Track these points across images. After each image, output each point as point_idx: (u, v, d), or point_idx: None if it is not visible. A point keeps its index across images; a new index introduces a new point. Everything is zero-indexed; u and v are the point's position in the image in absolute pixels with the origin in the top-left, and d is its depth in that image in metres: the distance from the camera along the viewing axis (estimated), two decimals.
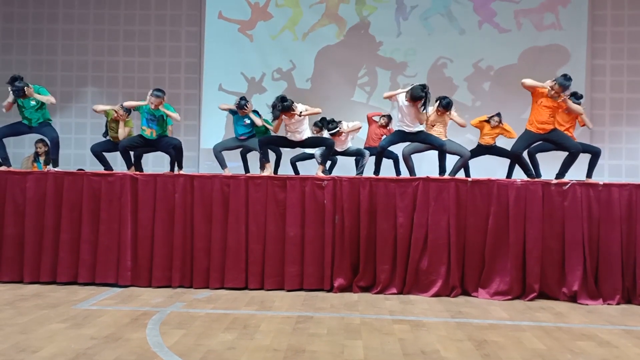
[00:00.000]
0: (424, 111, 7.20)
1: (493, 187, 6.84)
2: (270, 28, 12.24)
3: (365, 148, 8.81)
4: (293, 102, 7.20)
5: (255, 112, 8.33)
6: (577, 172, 7.37)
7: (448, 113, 7.86)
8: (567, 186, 6.77)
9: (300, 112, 7.25)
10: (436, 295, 6.72)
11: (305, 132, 7.45)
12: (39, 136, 8.44)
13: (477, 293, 6.77)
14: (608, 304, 6.59)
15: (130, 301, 6.22)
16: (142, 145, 7.71)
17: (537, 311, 6.17)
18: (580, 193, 6.75)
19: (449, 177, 7.19)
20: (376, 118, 9.26)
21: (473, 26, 12.05)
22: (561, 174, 7.19)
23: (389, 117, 9.26)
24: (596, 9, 11.88)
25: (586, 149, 7.60)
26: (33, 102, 7.37)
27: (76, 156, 11.98)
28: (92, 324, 5.21)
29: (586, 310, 6.28)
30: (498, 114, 8.51)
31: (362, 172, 8.13)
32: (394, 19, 12.15)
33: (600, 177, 10.63)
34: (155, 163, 10.40)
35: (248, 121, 8.17)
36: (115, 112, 8.08)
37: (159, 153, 8.35)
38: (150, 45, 12.42)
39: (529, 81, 7.07)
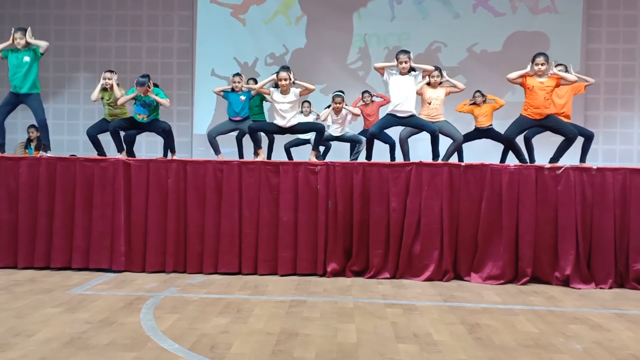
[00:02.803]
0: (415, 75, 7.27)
1: (486, 172, 6.84)
2: (263, 12, 12.21)
3: (363, 131, 8.81)
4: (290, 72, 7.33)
5: (247, 92, 8.25)
6: (570, 157, 7.39)
7: (441, 78, 7.85)
8: (561, 171, 6.77)
9: (294, 81, 7.29)
10: (429, 279, 6.75)
11: (295, 117, 7.44)
12: (32, 121, 8.38)
13: (470, 277, 6.80)
14: (600, 288, 6.62)
15: (124, 286, 6.22)
16: (133, 127, 7.68)
17: (530, 295, 6.20)
18: (574, 177, 6.76)
19: (442, 162, 7.19)
20: (359, 104, 9.22)
21: (467, 10, 12.03)
22: (555, 158, 7.22)
23: (368, 93, 9.26)
24: None
25: (579, 131, 7.59)
26: (27, 59, 7.35)
27: (69, 142, 11.96)
28: (87, 309, 5.21)
29: (579, 294, 6.31)
30: (478, 91, 8.56)
31: (356, 158, 8.12)
32: (387, 3, 12.11)
33: (594, 161, 10.66)
34: (148, 149, 10.38)
35: (243, 97, 8.11)
36: (105, 84, 7.98)
37: (152, 139, 8.32)
38: (143, 30, 12.37)
39: (512, 74, 7.13)
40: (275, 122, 7.47)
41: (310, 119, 9.08)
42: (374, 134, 7.43)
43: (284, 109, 7.34)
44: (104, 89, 7.96)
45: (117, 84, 7.81)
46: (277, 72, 7.34)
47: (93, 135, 7.91)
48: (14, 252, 7.00)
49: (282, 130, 7.50)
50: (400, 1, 12.10)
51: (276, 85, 7.38)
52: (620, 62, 11.85)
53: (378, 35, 12.12)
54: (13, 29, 7.46)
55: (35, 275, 6.64)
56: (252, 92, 8.03)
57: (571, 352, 4.28)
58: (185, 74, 12.26)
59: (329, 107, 8.50)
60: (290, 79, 7.28)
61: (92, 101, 8.12)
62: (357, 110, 8.58)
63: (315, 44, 12.17)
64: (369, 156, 7.44)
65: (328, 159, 8.24)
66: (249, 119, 8.20)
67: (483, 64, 11.88)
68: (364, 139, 8.19)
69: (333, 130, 8.51)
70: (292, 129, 7.51)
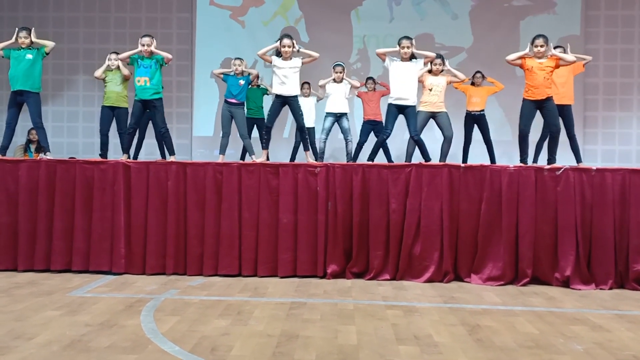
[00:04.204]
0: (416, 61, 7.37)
1: (486, 173, 6.85)
2: (262, 14, 12.19)
3: (365, 122, 8.81)
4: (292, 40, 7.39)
5: (247, 77, 8.20)
6: (568, 158, 7.42)
7: (443, 67, 7.85)
8: (560, 171, 6.78)
9: (299, 49, 7.37)
10: (429, 280, 6.75)
11: (296, 87, 7.46)
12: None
13: (470, 278, 6.80)
14: (601, 288, 6.62)
15: (124, 288, 6.22)
16: (143, 112, 7.63)
17: (530, 296, 6.20)
18: (573, 178, 6.76)
19: (442, 163, 7.20)
20: (362, 89, 9.20)
21: (466, 11, 12.02)
22: (551, 158, 7.24)
23: (372, 80, 9.25)
24: None
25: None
26: (29, 56, 7.39)
27: (68, 144, 11.95)
28: (87, 311, 5.21)
29: (579, 295, 6.32)
30: (478, 71, 8.57)
31: (355, 159, 8.13)
32: (386, 4, 12.11)
33: (594, 162, 10.67)
34: (148, 151, 10.36)
35: (242, 81, 8.06)
36: (112, 64, 8.14)
37: (151, 141, 8.32)
38: (142, 33, 12.28)
39: (511, 56, 7.22)
40: (275, 90, 7.45)
41: (311, 101, 9.02)
42: (389, 133, 7.44)
43: (285, 74, 7.31)
44: (108, 70, 8.14)
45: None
46: (280, 39, 7.34)
47: (107, 134, 8.07)
48: (14, 255, 7.00)
49: (283, 102, 7.44)
50: (399, 2, 12.10)
51: (279, 54, 7.37)
52: (618, 63, 11.84)
53: (377, 36, 12.09)
54: (17, 29, 7.50)
55: (35, 278, 6.64)
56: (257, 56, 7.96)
57: (571, 353, 4.29)
58: (185, 76, 12.24)
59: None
60: (293, 46, 7.29)
61: (94, 77, 8.35)
62: (357, 83, 8.60)
63: (314, 45, 12.14)
64: (374, 155, 7.51)
65: (326, 160, 8.22)
66: (244, 105, 8.13)
67: (481, 65, 11.85)
68: (351, 138, 8.29)
69: (332, 102, 8.45)
70: (291, 103, 7.45)
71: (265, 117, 7.75)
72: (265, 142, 7.60)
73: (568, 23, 11.76)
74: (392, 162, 7.51)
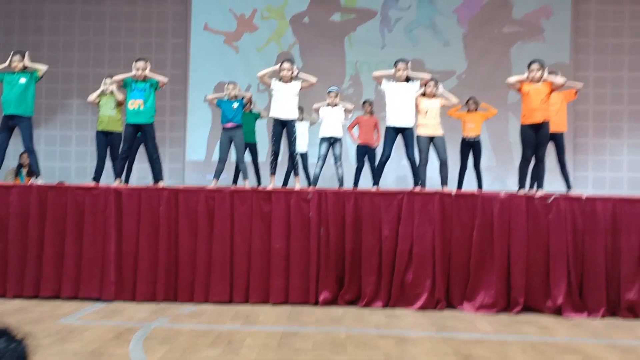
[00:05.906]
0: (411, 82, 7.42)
1: (477, 200, 6.86)
2: (256, 40, 12.26)
3: (359, 146, 8.80)
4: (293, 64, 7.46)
5: (240, 100, 8.20)
6: (558, 185, 7.44)
7: (436, 90, 7.83)
8: (551, 199, 6.80)
9: (297, 73, 7.44)
10: (422, 308, 6.72)
11: (295, 110, 7.50)
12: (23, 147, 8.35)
13: (463, 306, 6.78)
14: (593, 317, 6.61)
15: (114, 316, 6.17)
16: (134, 136, 7.59)
17: (523, 325, 6.18)
18: (565, 206, 6.79)
19: (434, 190, 7.19)
20: (359, 114, 9.19)
21: (457, 38, 12.13)
22: (540, 186, 7.23)
23: (368, 103, 9.22)
24: (579, 21, 11.97)
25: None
26: (22, 80, 7.37)
27: (61, 169, 11.90)
28: (76, 339, 5.16)
29: (571, 324, 6.30)
30: (471, 97, 8.62)
31: (356, 183, 8.19)
32: (379, 31, 12.21)
33: (584, 189, 10.71)
34: (140, 177, 10.35)
35: (236, 104, 8.02)
36: (107, 89, 8.07)
37: (142, 165, 8.30)
38: (136, 57, 12.35)
39: (511, 79, 7.31)
40: (272, 114, 7.47)
41: (304, 125, 9.00)
42: (390, 155, 7.44)
43: (284, 98, 7.38)
44: (103, 94, 8.07)
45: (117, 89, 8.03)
46: (281, 63, 7.41)
47: (104, 159, 7.98)
48: (2, 281, 6.93)
49: (282, 125, 7.46)
50: (391, 29, 12.20)
51: (279, 78, 7.44)
52: (608, 90, 11.93)
53: (369, 63, 12.14)
54: (12, 53, 7.51)
55: (24, 305, 6.57)
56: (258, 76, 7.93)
57: None
58: (179, 100, 12.26)
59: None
60: (292, 70, 7.35)
61: (88, 101, 8.30)
62: (351, 106, 8.56)
63: (307, 71, 12.17)
64: (378, 177, 7.57)
65: (319, 186, 8.24)
66: (242, 128, 8.11)
67: (473, 91, 11.92)
68: (341, 163, 8.28)
69: (326, 127, 8.33)
70: (288, 127, 7.47)
71: (271, 143, 7.73)
72: (272, 168, 7.58)
73: (557, 51, 11.86)
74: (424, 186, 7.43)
